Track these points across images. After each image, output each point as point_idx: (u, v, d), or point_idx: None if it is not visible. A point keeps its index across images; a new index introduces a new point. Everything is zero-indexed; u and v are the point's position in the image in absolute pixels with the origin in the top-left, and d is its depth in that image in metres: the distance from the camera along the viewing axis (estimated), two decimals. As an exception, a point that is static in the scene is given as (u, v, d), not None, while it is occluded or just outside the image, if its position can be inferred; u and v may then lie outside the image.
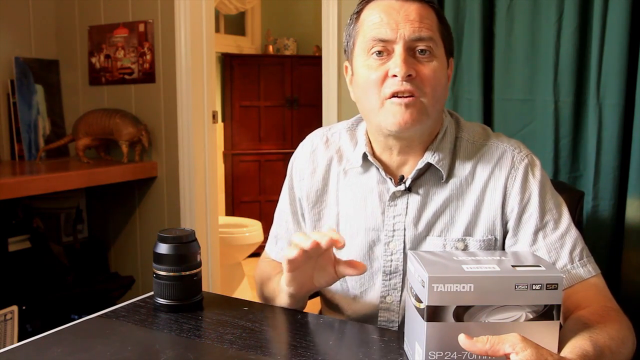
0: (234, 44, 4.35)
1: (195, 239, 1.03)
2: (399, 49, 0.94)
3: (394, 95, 0.95)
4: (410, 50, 0.95)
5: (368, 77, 0.97)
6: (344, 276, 0.94)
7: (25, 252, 2.34)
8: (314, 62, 3.92)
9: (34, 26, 2.65)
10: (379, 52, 0.96)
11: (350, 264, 0.92)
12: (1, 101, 2.53)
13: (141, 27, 2.54)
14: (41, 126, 2.62)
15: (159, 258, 1.00)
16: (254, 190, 4.23)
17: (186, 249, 1.00)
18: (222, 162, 4.16)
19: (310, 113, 4.15)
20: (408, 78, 0.93)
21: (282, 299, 1.02)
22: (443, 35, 0.99)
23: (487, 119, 1.78)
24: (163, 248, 0.99)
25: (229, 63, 4.08)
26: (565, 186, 1.44)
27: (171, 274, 1.00)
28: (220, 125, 4.11)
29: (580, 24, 1.61)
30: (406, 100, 0.94)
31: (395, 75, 0.93)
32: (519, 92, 1.73)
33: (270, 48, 4.40)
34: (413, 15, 0.95)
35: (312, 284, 0.96)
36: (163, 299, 1.01)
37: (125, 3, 2.57)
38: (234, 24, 4.47)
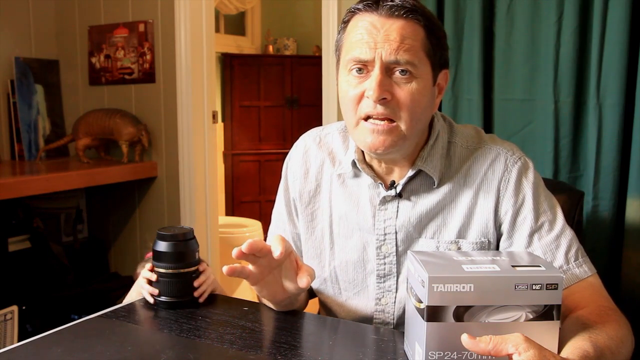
0: (234, 44, 4.35)
1: (194, 237, 1.04)
2: (376, 70, 0.92)
3: (369, 116, 0.94)
4: (389, 71, 0.92)
5: (346, 93, 0.96)
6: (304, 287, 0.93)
7: (25, 252, 2.34)
8: (314, 62, 3.92)
9: (34, 26, 2.65)
10: (359, 69, 0.94)
11: (302, 271, 0.92)
12: (1, 101, 2.52)
13: (141, 27, 2.54)
14: (41, 126, 2.62)
15: (158, 256, 1.01)
16: (254, 190, 4.23)
17: (185, 247, 1.01)
18: (222, 162, 4.16)
19: (310, 113, 4.15)
20: (383, 101, 0.92)
21: (272, 306, 1.03)
22: (429, 52, 0.95)
23: (487, 119, 1.78)
24: (162, 246, 1.01)
25: (229, 63, 4.08)
26: (565, 186, 1.44)
27: (170, 271, 1.01)
28: (220, 125, 4.11)
29: (580, 24, 1.61)
30: (380, 127, 0.93)
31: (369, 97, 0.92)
32: (519, 92, 1.73)
33: (270, 48, 4.40)
34: (394, 35, 0.91)
35: (285, 290, 0.96)
36: (162, 296, 1.02)
37: (125, 3, 2.57)
38: (234, 24, 4.47)
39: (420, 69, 0.93)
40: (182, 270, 1.01)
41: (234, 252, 0.86)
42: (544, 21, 1.66)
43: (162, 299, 1.02)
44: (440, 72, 0.99)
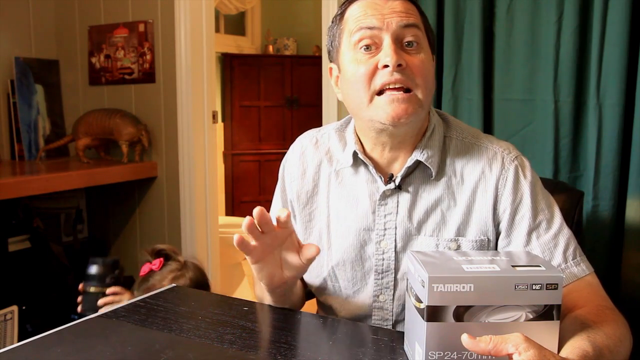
0: (234, 44, 4.35)
1: (107, 266, 1.38)
2: (387, 40, 0.93)
3: (384, 87, 0.94)
4: (398, 42, 0.94)
5: (357, 71, 0.95)
6: (308, 261, 0.93)
7: (25, 252, 2.34)
8: (314, 62, 3.92)
9: (34, 26, 2.65)
10: (367, 47, 0.95)
11: (305, 248, 0.92)
12: (1, 101, 2.53)
13: (141, 27, 2.54)
14: (41, 126, 2.62)
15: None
16: (254, 190, 4.24)
17: (93, 270, 1.35)
18: (222, 162, 4.16)
19: (310, 113, 4.15)
20: (399, 68, 0.92)
21: (266, 296, 1.02)
22: (427, 29, 1.00)
23: (487, 119, 1.78)
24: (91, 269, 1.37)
25: (229, 63, 4.08)
26: (565, 186, 1.44)
27: (82, 288, 1.35)
28: (220, 125, 4.11)
29: (580, 24, 1.61)
30: (399, 95, 0.93)
31: (386, 66, 0.92)
32: (519, 92, 1.73)
33: (270, 48, 4.40)
34: (399, 7, 0.95)
35: (283, 274, 0.95)
36: (80, 308, 1.31)
37: (125, 3, 2.57)
38: (234, 24, 4.47)
39: (424, 41, 0.97)
40: (87, 289, 1.32)
41: (245, 222, 0.86)
42: (544, 21, 1.66)
43: (78, 308, 1.31)
44: (433, 55, 1.02)
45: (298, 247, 0.93)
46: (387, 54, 0.92)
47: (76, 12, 2.70)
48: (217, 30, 4.18)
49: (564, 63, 1.64)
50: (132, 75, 2.59)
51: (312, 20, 4.31)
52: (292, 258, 0.93)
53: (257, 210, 0.85)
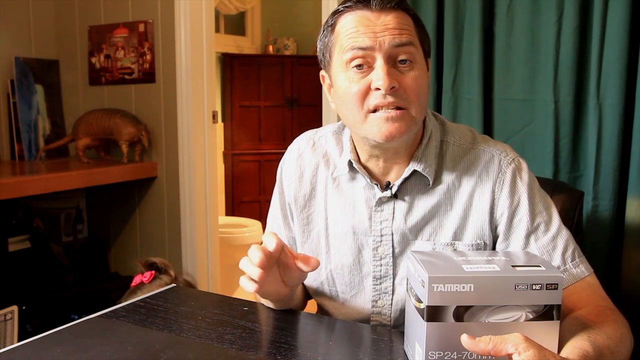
0: (234, 44, 4.35)
1: None
2: (380, 61, 0.92)
3: (377, 107, 0.93)
4: (391, 61, 0.93)
5: (349, 90, 0.95)
6: (303, 271, 0.92)
7: (25, 252, 2.34)
8: (314, 62, 3.88)
9: (34, 26, 2.65)
10: (359, 66, 0.94)
11: (304, 259, 0.92)
12: (1, 101, 2.52)
13: (141, 27, 2.54)
14: (41, 126, 2.62)
15: None
16: (254, 190, 4.23)
17: None
18: (222, 162, 4.16)
19: (310, 113, 4.15)
20: (391, 90, 0.92)
21: (271, 305, 1.02)
22: (421, 39, 0.98)
23: (487, 119, 1.78)
24: None
25: (229, 63, 4.08)
26: (565, 186, 1.44)
27: None
28: (220, 125, 4.11)
29: (580, 24, 1.61)
30: (393, 114, 0.93)
31: (378, 89, 0.92)
32: (519, 92, 1.73)
33: (270, 48, 4.40)
34: (392, 24, 0.93)
35: (286, 286, 0.95)
36: None
37: (125, 3, 2.57)
38: (234, 24, 4.47)
39: (417, 57, 0.95)
40: None
41: (257, 275, 0.87)
42: (544, 21, 1.66)
43: None
44: (428, 59, 1.01)
45: (292, 257, 0.93)
46: (379, 77, 0.91)
47: (76, 12, 2.70)
48: (217, 30, 4.18)
49: (564, 63, 1.64)
50: (132, 75, 2.59)
51: (312, 20, 4.30)
52: (290, 269, 0.93)
53: (259, 262, 0.88)
